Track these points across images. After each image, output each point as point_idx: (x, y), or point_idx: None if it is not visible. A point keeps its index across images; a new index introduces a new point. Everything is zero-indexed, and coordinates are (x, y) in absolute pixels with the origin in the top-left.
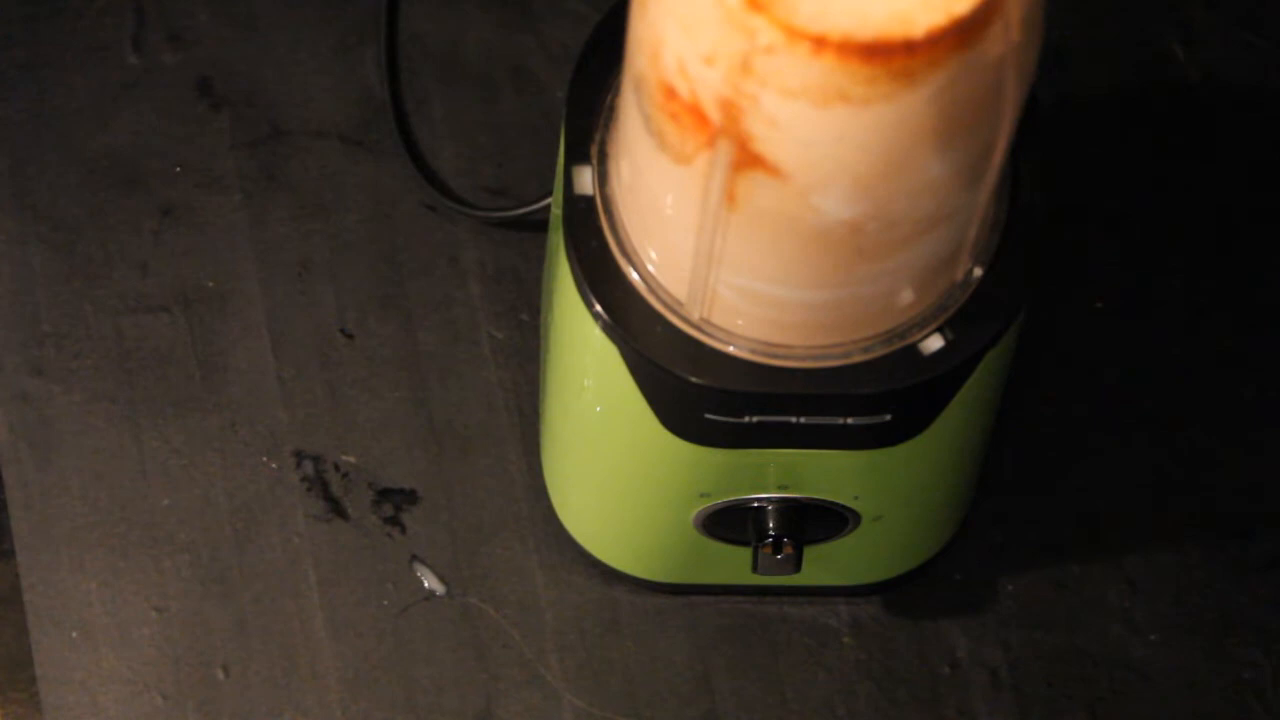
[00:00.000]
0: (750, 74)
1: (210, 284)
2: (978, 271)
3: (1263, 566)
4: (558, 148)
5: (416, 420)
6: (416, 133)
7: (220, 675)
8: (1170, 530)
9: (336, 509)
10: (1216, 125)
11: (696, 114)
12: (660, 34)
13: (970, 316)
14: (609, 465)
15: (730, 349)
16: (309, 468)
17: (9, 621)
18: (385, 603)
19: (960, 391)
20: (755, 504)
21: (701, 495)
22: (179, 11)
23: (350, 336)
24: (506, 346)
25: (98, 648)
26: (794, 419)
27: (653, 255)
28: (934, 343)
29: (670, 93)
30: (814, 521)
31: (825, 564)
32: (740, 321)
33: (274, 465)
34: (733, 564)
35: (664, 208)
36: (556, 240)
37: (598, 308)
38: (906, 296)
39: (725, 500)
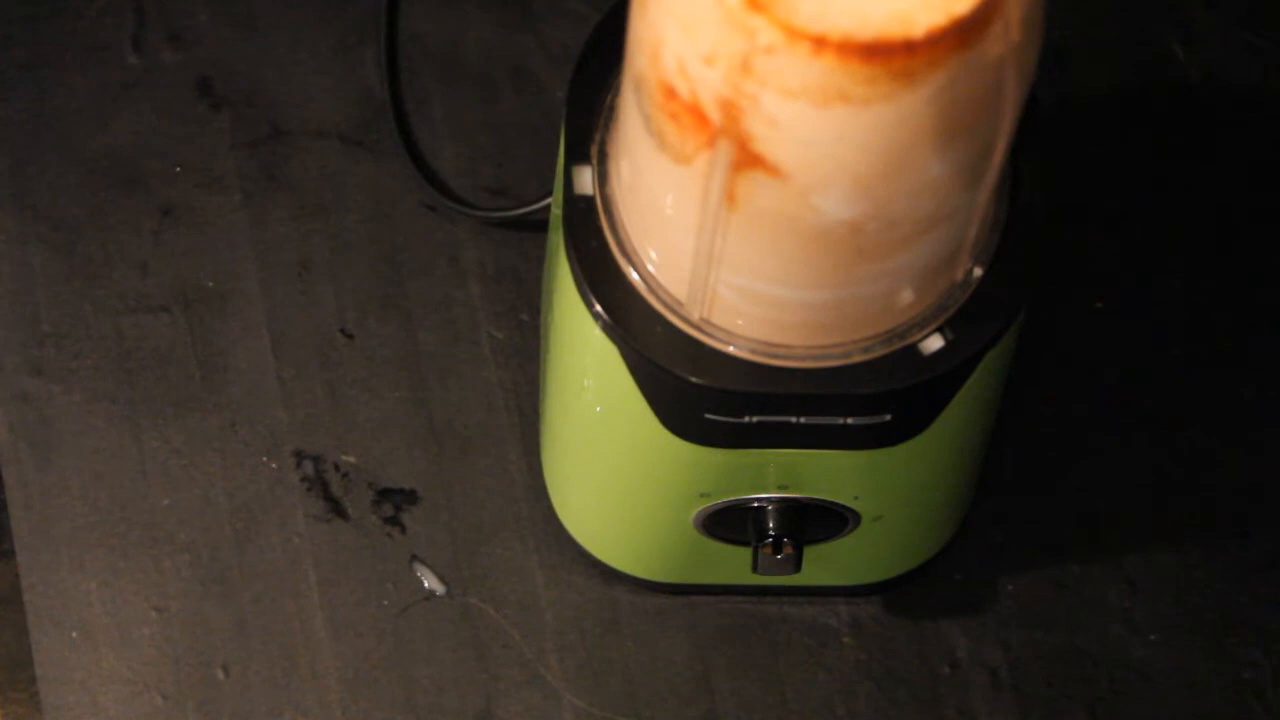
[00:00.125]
0: (750, 74)
1: (210, 284)
2: (978, 271)
3: (1263, 566)
4: (558, 148)
5: (416, 420)
6: (416, 133)
7: (220, 675)
8: (1170, 530)
9: (336, 509)
10: (1216, 125)
11: (696, 114)
12: (660, 34)
13: (970, 316)
14: (609, 465)
15: (730, 349)
16: (309, 468)
17: (9, 621)
18: (385, 603)
19: (960, 391)
20: (755, 504)
21: (701, 495)
22: (179, 11)
23: (350, 336)
24: (506, 346)
25: (98, 648)
26: (794, 419)
27: (653, 255)
28: (934, 343)
29: (670, 93)
30: (814, 521)
31: (825, 564)
32: (740, 321)
33: (274, 465)
34: (733, 564)
35: (664, 208)
36: (556, 240)
37: (598, 308)
38: (906, 296)
39: (725, 500)
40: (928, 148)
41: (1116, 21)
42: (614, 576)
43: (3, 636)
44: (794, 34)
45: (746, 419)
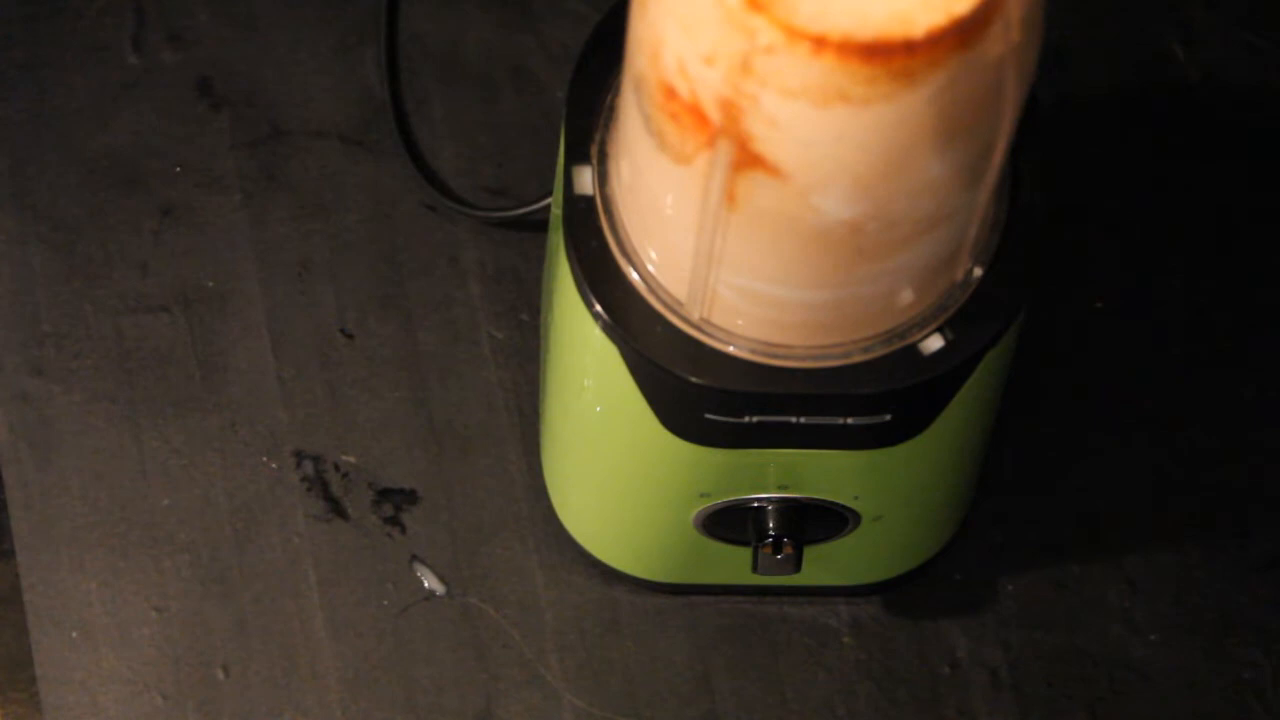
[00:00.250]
0: (750, 74)
1: (210, 284)
2: (978, 271)
3: (1263, 566)
4: (558, 148)
5: (416, 420)
6: (416, 133)
7: (220, 675)
8: (1170, 530)
9: (336, 509)
10: (1216, 125)
11: (696, 114)
12: (660, 34)
13: (970, 316)
14: (609, 465)
15: (730, 349)
16: (309, 468)
17: (9, 621)
18: (385, 603)
19: (960, 391)
20: (755, 504)
21: (701, 495)
22: (179, 11)
23: (350, 336)
24: (506, 346)
25: (98, 648)
26: (794, 419)
27: (653, 255)
28: (934, 343)
29: (670, 93)
30: (814, 521)
31: (825, 564)
32: (740, 321)
33: (274, 465)
34: (733, 564)
35: (664, 208)
36: (556, 240)
37: (598, 308)
38: (906, 296)
39: (725, 500)
40: (928, 148)
41: (1116, 21)
42: (614, 576)
43: (3, 636)
44: (794, 34)
45: (746, 419)
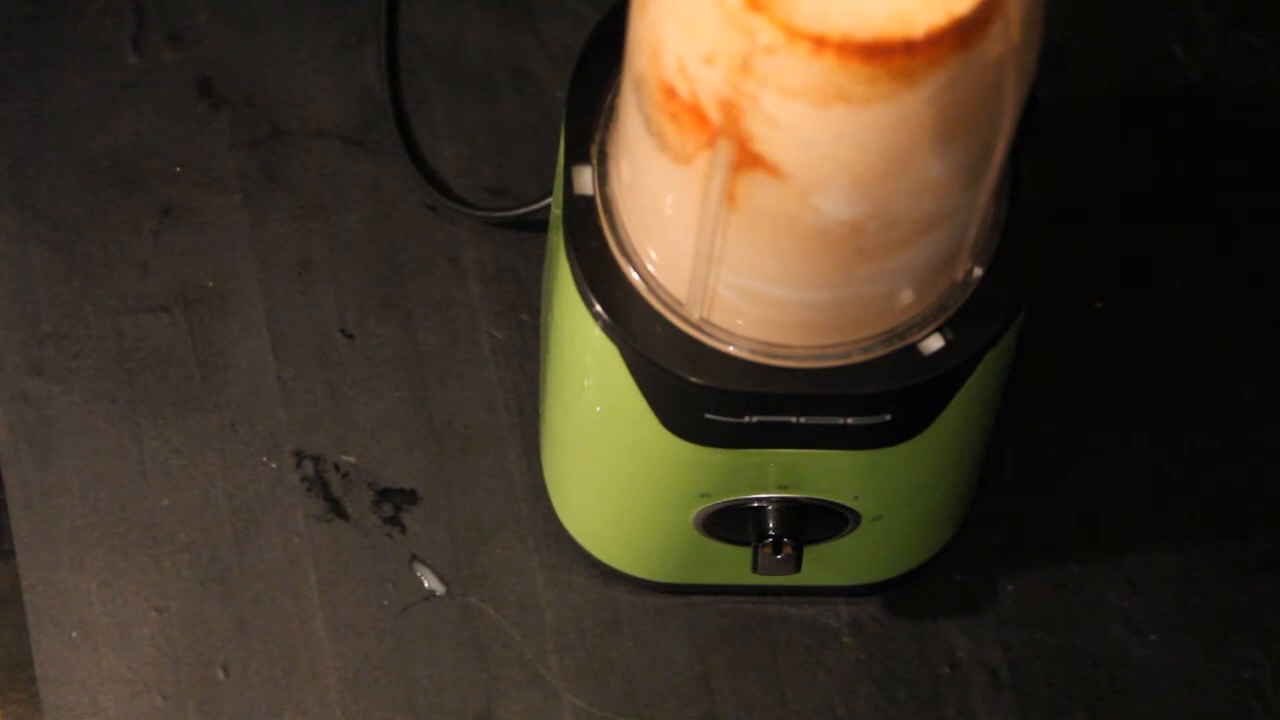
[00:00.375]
0: (750, 74)
1: (210, 284)
2: (978, 271)
3: (1263, 566)
4: (558, 148)
5: (416, 420)
6: (416, 133)
7: (220, 675)
8: (1170, 530)
9: (336, 509)
10: (1216, 125)
11: (696, 114)
12: (660, 34)
13: (970, 316)
14: (609, 465)
15: (730, 349)
16: (309, 468)
17: (9, 621)
18: (385, 603)
19: (960, 391)
20: (755, 504)
21: (701, 495)
22: (179, 11)
23: (350, 336)
24: (506, 346)
25: (98, 648)
26: (794, 419)
27: (653, 255)
28: (934, 343)
29: (670, 93)
30: (814, 521)
31: (825, 564)
32: (740, 321)
33: (274, 465)
34: (733, 564)
35: (664, 208)
36: (556, 240)
37: (598, 308)
38: (906, 296)
39: (725, 500)
40: (928, 148)
41: (1116, 21)
42: (614, 576)
43: (3, 636)
44: (794, 34)
45: (746, 419)
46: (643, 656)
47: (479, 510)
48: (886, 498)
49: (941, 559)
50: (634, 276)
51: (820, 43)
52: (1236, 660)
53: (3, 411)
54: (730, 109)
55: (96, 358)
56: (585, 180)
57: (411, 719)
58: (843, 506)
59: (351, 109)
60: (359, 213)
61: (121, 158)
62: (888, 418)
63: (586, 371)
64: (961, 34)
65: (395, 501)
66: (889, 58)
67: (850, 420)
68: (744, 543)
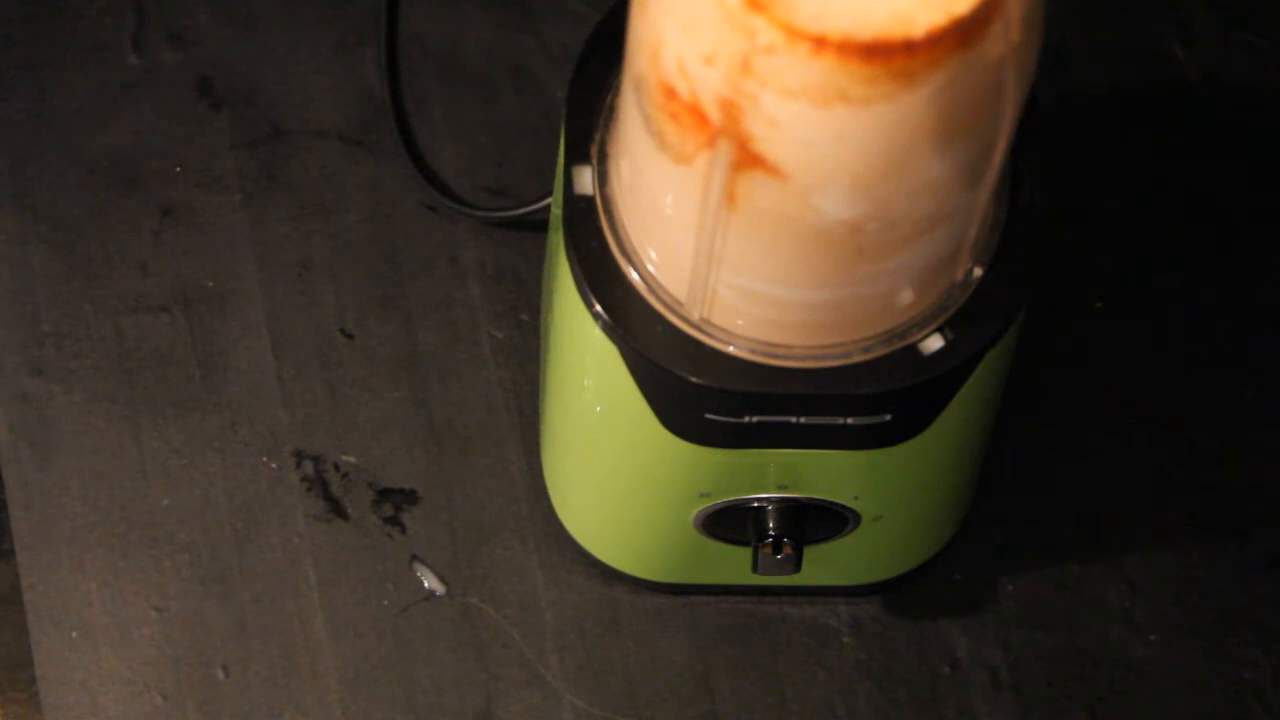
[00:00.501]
0: (750, 74)
1: (210, 284)
2: (978, 271)
3: (1263, 566)
4: (558, 148)
5: (416, 420)
6: (416, 133)
7: (220, 675)
8: (1170, 530)
9: (336, 509)
10: (1216, 125)
11: (696, 114)
12: (660, 34)
13: (970, 316)
14: (609, 465)
15: (730, 349)
16: (309, 468)
17: (9, 621)
18: (385, 603)
19: (960, 391)
20: (755, 504)
21: (701, 495)
22: (179, 11)
23: (350, 336)
24: (506, 346)
25: (98, 648)
26: (794, 419)
27: (653, 255)
28: (934, 343)
29: (670, 93)
30: (814, 521)
31: (825, 564)
32: (740, 321)
33: (274, 465)
34: (733, 564)
35: (664, 208)
36: (556, 240)
37: (598, 308)
38: (906, 296)
39: (725, 500)
40: (928, 148)
41: (1116, 21)
42: (614, 576)
43: (3, 636)
44: (794, 34)
45: (746, 419)
46: (643, 656)
47: (479, 510)
48: (886, 498)
49: (941, 559)
50: (634, 276)
51: (820, 43)
52: (1236, 660)
53: (3, 411)
54: (730, 109)
55: (96, 358)
56: (585, 180)
57: (411, 719)
58: (843, 506)
59: (351, 109)
60: (359, 213)
61: (121, 158)
62: (888, 418)
63: (586, 371)
64: (961, 34)
65: (395, 501)
66: (889, 58)
67: (850, 420)
68: (744, 543)
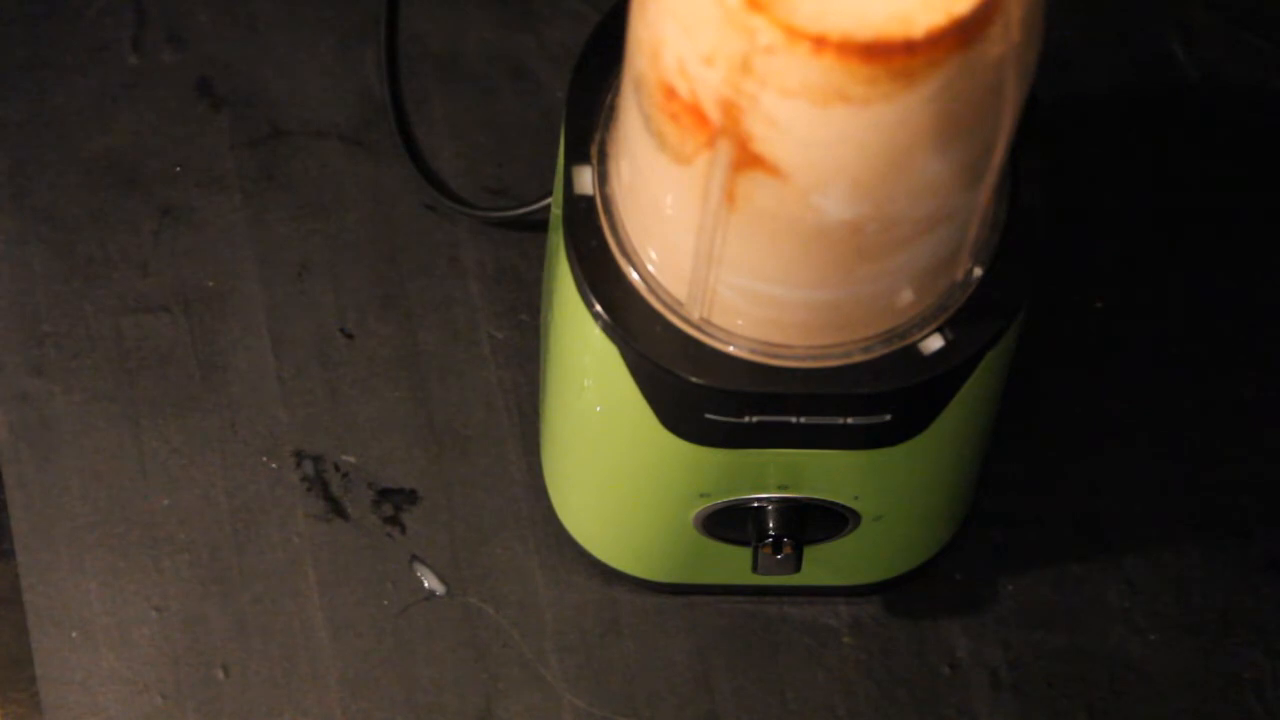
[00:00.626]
0: (750, 74)
1: (210, 284)
2: (978, 271)
3: (1263, 566)
4: (558, 148)
5: (416, 420)
6: (416, 133)
7: (220, 675)
8: (1170, 530)
9: (336, 509)
10: (1216, 125)
11: (696, 114)
12: (660, 34)
13: (970, 316)
14: (609, 465)
15: (730, 349)
16: (309, 468)
17: (9, 621)
18: (385, 603)
19: (960, 391)
20: (755, 504)
21: (701, 495)
22: (179, 11)
23: (350, 336)
24: (506, 346)
25: (98, 648)
26: (794, 419)
27: (653, 255)
28: (934, 343)
29: (670, 93)
30: (814, 521)
31: (825, 564)
32: (740, 321)
33: (274, 465)
34: (733, 564)
35: (664, 208)
36: (556, 240)
37: (598, 308)
38: (906, 296)
39: (725, 500)
40: (928, 148)
41: (1116, 21)
42: (614, 576)
43: (3, 636)
44: (794, 34)
45: (746, 419)
46: (643, 656)
47: (479, 510)
48: (886, 498)
49: (941, 559)
50: (634, 276)
51: (820, 43)
52: (1236, 660)
53: (3, 411)
54: (730, 109)
55: (96, 358)
56: (585, 180)
57: (411, 719)
58: (843, 506)
59: (351, 109)
60: (359, 213)
61: (121, 158)
62: (888, 418)
63: (586, 371)
64: (961, 34)
65: (395, 501)
66: (889, 58)
67: (850, 420)
68: (744, 543)
